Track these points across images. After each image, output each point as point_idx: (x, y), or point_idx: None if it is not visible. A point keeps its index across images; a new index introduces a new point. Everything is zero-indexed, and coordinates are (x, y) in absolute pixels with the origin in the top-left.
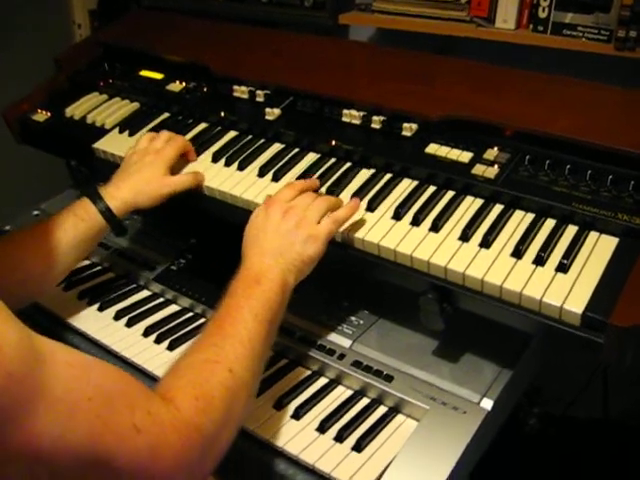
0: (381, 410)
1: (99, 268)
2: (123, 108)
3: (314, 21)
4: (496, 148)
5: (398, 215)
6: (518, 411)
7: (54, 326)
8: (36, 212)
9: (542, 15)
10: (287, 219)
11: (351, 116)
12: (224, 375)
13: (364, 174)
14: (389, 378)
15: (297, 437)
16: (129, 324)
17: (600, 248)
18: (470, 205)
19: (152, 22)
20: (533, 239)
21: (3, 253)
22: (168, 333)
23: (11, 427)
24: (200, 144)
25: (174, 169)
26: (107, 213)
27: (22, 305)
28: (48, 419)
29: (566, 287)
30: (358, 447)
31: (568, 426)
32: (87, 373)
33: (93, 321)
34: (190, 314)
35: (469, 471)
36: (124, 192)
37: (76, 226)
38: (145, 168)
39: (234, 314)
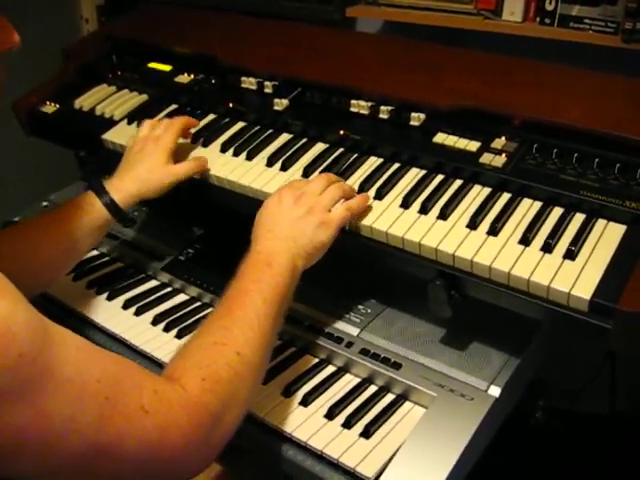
0: (389, 397)
1: (107, 258)
2: (132, 100)
3: (321, 14)
4: (504, 137)
5: (406, 203)
6: (523, 404)
7: (63, 315)
8: (45, 203)
9: (549, 7)
10: (299, 205)
11: (359, 106)
12: (232, 357)
13: (372, 163)
14: (397, 366)
15: (306, 423)
16: (138, 313)
17: (608, 235)
18: (478, 193)
19: (160, 15)
20: (541, 227)
21: (13, 242)
22: (177, 321)
23: (22, 406)
24: (209, 134)
25: (178, 155)
26: (111, 206)
27: (31, 295)
28: (58, 399)
29: (574, 274)
30: (366, 433)
31: (574, 420)
32: (94, 357)
33: (102, 310)
34: (198, 303)
35: (476, 460)
36: (128, 184)
37: (82, 219)
38: (147, 158)
39: (243, 297)
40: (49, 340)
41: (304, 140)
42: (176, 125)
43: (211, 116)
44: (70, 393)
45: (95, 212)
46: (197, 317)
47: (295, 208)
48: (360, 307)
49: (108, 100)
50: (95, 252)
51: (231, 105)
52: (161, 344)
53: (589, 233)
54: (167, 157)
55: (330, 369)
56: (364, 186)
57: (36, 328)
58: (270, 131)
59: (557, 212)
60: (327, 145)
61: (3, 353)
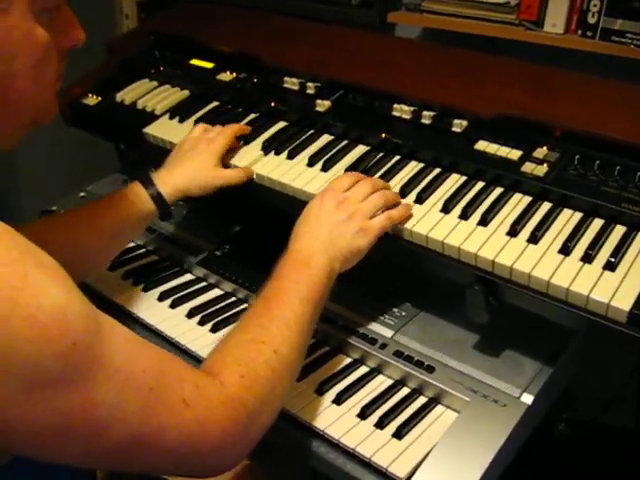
0: (421, 400)
1: (143, 250)
2: (173, 95)
3: (362, 19)
4: (546, 147)
5: (447, 208)
6: (547, 415)
7: (99, 304)
8: (82, 194)
9: (591, 20)
10: (340, 210)
11: (401, 111)
12: (269, 355)
13: (413, 167)
14: (430, 369)
15: (338, 422)
16: (173, 305)
17: None
18: (519, 202)
19: (202, 13)
20: (581, 237)
21: (54, 230)
22: (212, 315)
23: (72, 392)
24: (250, 133)
25: (225, 157)
26: (157, 198)
27: (76, 282)
28: (106, 388)
29: (613, 285)
30: (398, 434)
31: (598, 433)
32: (141, 348)
33: (138, 301)
34: (233, 299)
35: (505, 466)
36: (176, 179)
37: (127, 209)
38: (197, 157)
39: (282, 296)
40: (101, 330)
41: (345, 142)
42: (229, 131)
43: (252, 115)
44: (118, 382)
45: (140, 203)
46: (232, 312)
47: (336, 212)
48: (395, 309)
49: (150, 95)
50: (131, 244)
51: (273, 104)
52: (196, 337)
53: (629, 245)
54: (217, 159)
55: (363, 369)
56: (404, 190)
57: (90, 317)
58: (311, 131)
59: (598, 223)
60: (368, 148)
61: (58, 340)
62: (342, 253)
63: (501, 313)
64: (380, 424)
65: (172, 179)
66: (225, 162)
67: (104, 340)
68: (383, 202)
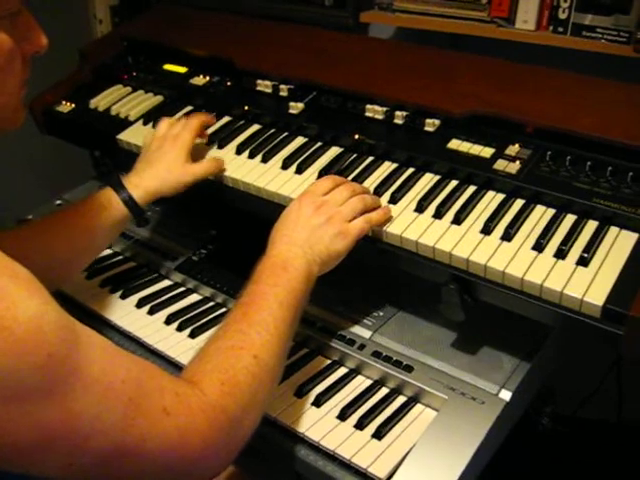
0: (400, 399)
1: (121, 257)
2: (147, 100)
3: (335, 19)
4: (518, 144)
5: (420, 208)
6: (530, 410)
7: (77, 312)
8: (59, 202)
9: (562, 16)
10: (319, 213)
11: (374, 111)
12: (249, 361)
13: (387, 168)
14: (409, 368)
15: (318, 424)
16: (151, 312)
17: (620, 243)
18: (492, 199)
19: (175, 17)
20: (554, 233)
21: (29, 239)
22: (190, 321)
23: (51, 404)
24: (224, 136)
25: (194, 156)
26: (130, 202)
27: (52, 289)
28: (85, 399)
29: (587, 280)
30: (378, 435)
31: (581, 427)
32: (119, 358)
33: (116, 308)
34: (211, 303)
35: (485, 464)
36: (147, 181)
37: (99, 215)
38: (165, 156)
39: (260, 301)
40: (77, 340)
41: (319, 144)
42: (193, 123)
43: (226, 118)
44: (97, 393)
45: (113, 208)
46: (210, 317)
47: (315, 216)
48: (372, 310)
49: (123, 101)
50: (109, 251)
51: (246, 108)
52: (175, 343)
53: (602, 240)
54: (185, 156)
55: (342, 371)
56: (378, 190)
57: (66, 328)
58: (285, 134)
59: (570, 219)
60: (342, 149)
61: (33, 352)
62: (320, 256)
63: (478, 311)
64: (360, 425)
65: (143, 182)
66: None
67: (81, 351)
68: (362, 206)
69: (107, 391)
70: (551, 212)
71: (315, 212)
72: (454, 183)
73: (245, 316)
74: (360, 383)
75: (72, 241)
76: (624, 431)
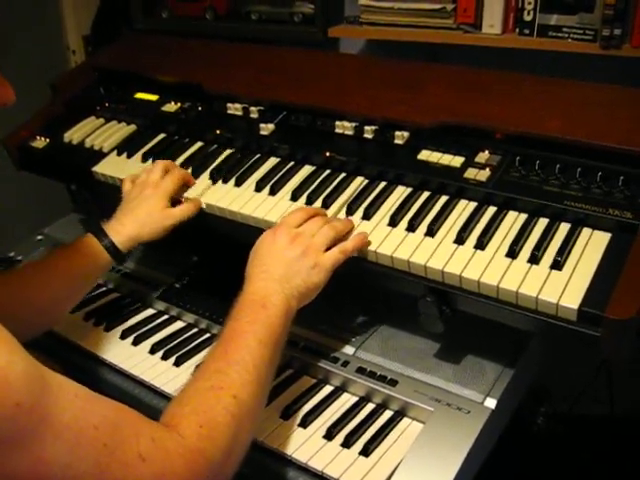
0: (387, 414)
1: (104, 289)
2: (120, 131)
3: (304, 35)
4: (487, 151)
5: (393, 222)
6: (524, 411)
7: (61, 348)
8: (39, 237)
9: (527, 18)
10: (294, 246)
11: (344, 127)
12: (228, 401)
13: (359, 183)
14: (393, 382)
15: (305, 445)
16: (135, 342)
17: (593, 244)
18: (464, 208)
19: (145, 45)
20: (527, 238)
21: (14, 289)
22: (174, 349)
23: (20, 454)
24: (198, 163)
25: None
26: (112, 249)
27: (37, 334)
28: (56, 447)
29: (561, 284)
30: (365, 452)
31: (576, 424)
32: (93, 404)
33: (100, 341)
34: (195, 330)
35: (476, 471)
36: (128, 228)
37: (81, 262)
38: (145, 202)
39: (238, 339)
40: (47, 389)
41: (291, 163)
42: (177, 174)
43: (199, 144)
44: (68, 440)
45: (95, 255)
46: (194, 344)
47: (290, 248)
48: (354, 326)
49: (97, 132)
50: None
51: (218, 132)
52: (160, 372)
53: (575, 242)
54: (166, 201)
55: (327, 389)
56: (351, 207)
57: (33, 377)
58: (257, 156)
59: (542, 223)
60: (314, 167)
61: (0, 403)
62: (299, 290)
63: (460, 321)
64: (347, 443)
65: (124, 228)
66: (176, 195)
67: (50, 398)
68: (333, 233)
69: (79, 438)
70: (523, 217)
71: (290, 244)
72: (426, 194)
73: (224, 355)
74: (346, 401)
75: (53, 290)
76: (617, 425)
